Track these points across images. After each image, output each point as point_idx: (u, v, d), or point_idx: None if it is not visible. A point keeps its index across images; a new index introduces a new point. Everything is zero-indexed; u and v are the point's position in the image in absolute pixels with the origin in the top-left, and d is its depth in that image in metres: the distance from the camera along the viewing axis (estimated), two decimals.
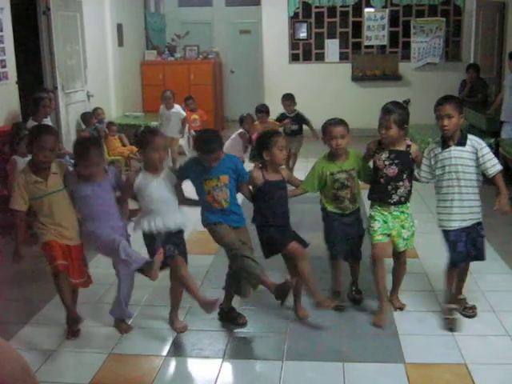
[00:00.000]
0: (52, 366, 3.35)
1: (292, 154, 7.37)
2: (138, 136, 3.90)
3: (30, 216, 3.67)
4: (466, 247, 3.62)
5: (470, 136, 3.59)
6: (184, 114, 8.07)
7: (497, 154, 6.83)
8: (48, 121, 6.43)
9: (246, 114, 7.31)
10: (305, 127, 7.50)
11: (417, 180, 3.76)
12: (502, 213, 3.55)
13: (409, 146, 3.69)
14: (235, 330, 3.71)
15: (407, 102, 3.76)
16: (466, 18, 10.50)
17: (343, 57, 10.95)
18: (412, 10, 10.65)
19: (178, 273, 3.57)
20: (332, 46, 10.91)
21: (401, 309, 3.90)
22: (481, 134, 7.26)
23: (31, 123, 6.02)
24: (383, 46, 10.89)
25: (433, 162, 3.64)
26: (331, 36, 10.92)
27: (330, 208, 3.87)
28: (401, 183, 3.67)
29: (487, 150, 3.54)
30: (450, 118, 3.50)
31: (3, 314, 3.90)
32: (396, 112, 3.61)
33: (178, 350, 3.53)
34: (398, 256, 3.86)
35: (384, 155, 3.67)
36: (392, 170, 3.65)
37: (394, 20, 10.73)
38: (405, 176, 3.67)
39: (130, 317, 3.78)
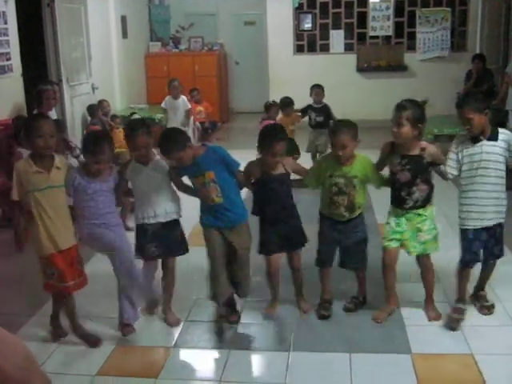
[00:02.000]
0: (59, 358, 3.37)
1: (318, 152, 6.84)
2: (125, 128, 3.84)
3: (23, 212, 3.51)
4: (483, 246, 3.52)
5: (501, 130, 3.44)
6: (189, 105, 8.01)
7: None
8: (53, 113, 6.42)
9: (273, 101, 6.84)
10: None
11: (443, 177, 3.58)
12: None
13: (423, 150, 3.43)
14: (242, 322, 3.72)
15: (425, 101, 3.58)
16: (471, 7, 10.45)
17: (348, 48, 10.92)
18: None
19: (168, 274, 3.73)
20: (337, 37, 10.87)
21: (436, 319, 3.64)
22: None
23: None
24: (388, 37, 10.84)
25: (460, 157, 3.46)
26: (336, 27, 10.88)
27: (324, 212, 3.69)
28: (414, 188, 3.47)
29: None
30: (469, 121, 3.35)
31: (11, 306, 3.91)
32: (410, 108, 3.37)
33: (184, 341, 3.54)
34: (421, 262, 3.68)
35: (396, 160, 3.50)
36: (404, 176, 3.47)
37: (399, 10, 10.68)
38: (418, 181, 3.47)
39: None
